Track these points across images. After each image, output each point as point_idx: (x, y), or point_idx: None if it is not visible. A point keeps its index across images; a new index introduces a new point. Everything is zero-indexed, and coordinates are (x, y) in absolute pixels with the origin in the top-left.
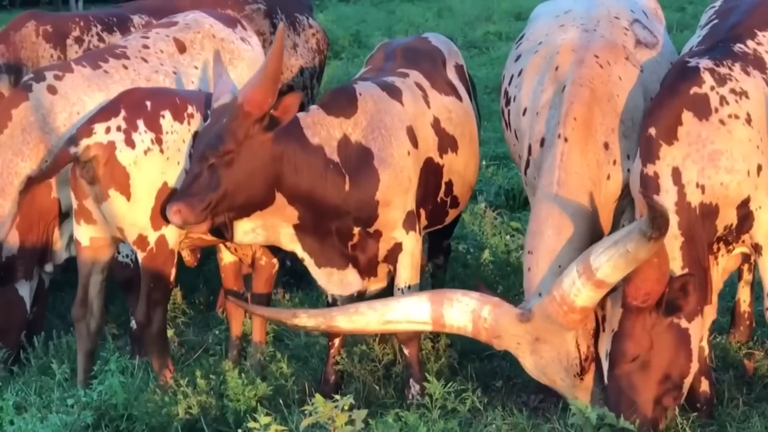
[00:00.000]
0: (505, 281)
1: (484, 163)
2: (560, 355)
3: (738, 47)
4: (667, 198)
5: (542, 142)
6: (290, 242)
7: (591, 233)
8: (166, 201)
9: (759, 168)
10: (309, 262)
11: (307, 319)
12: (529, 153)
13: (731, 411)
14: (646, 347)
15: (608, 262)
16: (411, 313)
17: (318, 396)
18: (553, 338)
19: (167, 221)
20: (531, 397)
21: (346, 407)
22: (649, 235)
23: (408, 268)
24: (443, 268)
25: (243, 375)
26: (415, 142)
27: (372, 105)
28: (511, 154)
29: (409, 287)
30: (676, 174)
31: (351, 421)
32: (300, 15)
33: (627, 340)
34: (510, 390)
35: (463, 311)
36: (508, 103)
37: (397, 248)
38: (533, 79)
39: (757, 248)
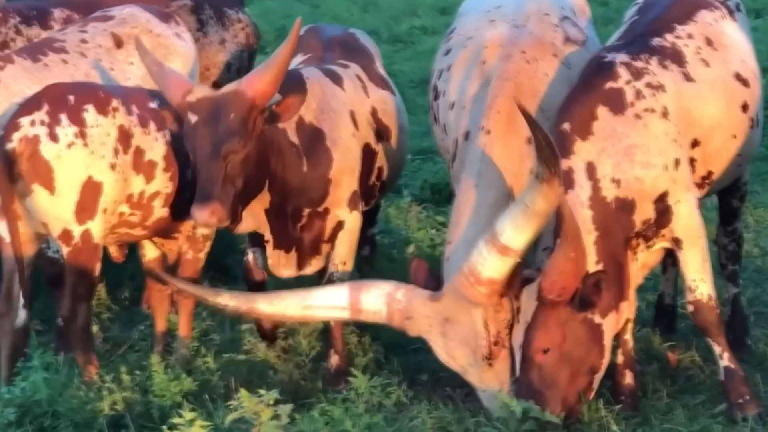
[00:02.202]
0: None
1: (409, 156)
2: (468, 336)
3: (656, 41)
4: (582, 192)
5: (466, 136)
6: (261, 226)
7: None
8: (192, 204)
9: (677, 162)
10: (270, 244)
11: (229, 299)
12: (456, 146)
13: (655, 403)
14: (558, 340)
15: (510, 223)
16: (330, 298)
17: (243, 391)
18: (461, 317)
19: (88, 218)
20: (457, 391)
21: (271, 402)
22: (540, 176)
23: (345, 245)
24: (370, 262)
25: (168, 370)
26: (356, 126)
27: (319, 89)
28: (438, 148)
29: (344, 263)
30: (591, 168)
31: (276, 416)
32: (228, 9)
33: (539, 332)
34: (436, 384)
35: (379, 295)
36: (437, 97)
37: (340, 226)
38: (461, 73)
39: (677, 242)
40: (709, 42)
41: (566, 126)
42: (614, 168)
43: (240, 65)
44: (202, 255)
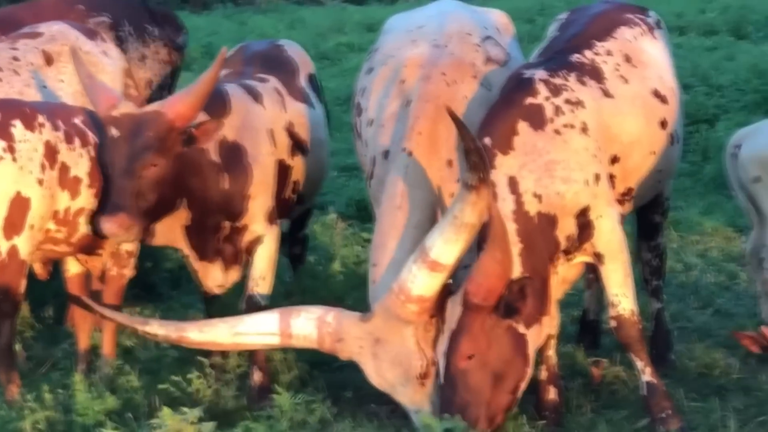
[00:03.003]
0: (355, 292)
1: (335, 173)
2: (400, 355)
3: (574, 57)
4: (505, 206)
5: (386, 155)
6: (179, 241)
7: None
8: (98, 214)
9: (597, 177)
10: (192, 258)
11: (158, 327)
12: (373, 165)
13: (578, 418)
14: (483, 347)
15: (439, 236)
16: (260, 325)
17: (165, 409)
18: (392, 336)
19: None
20: (381, 408)
21: (194, 420)
22: (468, 183)
23: (264, 260)
24: (301, 259)
25: (92, 389)
26: (274, 143)
27: (242, 106)
28: (361, 165)
29: (263, 278)
30: (513, 183)
31: None
32: (149, 26)
33: (464, 338)
34: (360, 400)
35: (309, 319)
36: (359, 114)
37: (257, 240)
38: (380, 91)
39: (599, 257)
40: (627, 59)
41: (487, 140)
42: (536, 183)
43: (162, 82)
44: (127, 272)
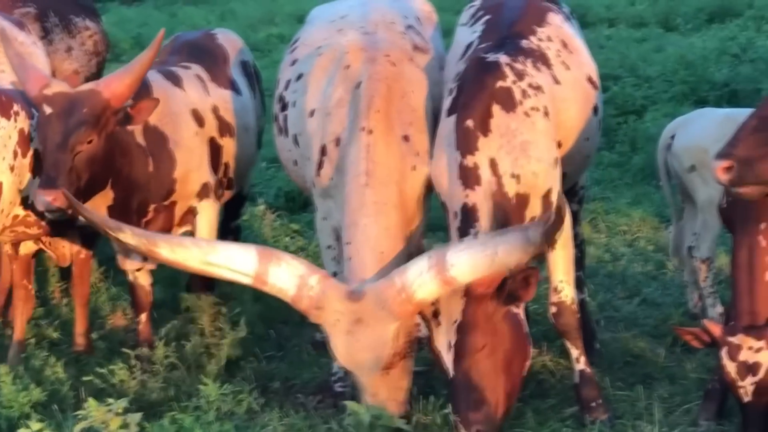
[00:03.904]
0: None
1: (264, 164)
2: (377, 343)
3: (524, 43)
4: (489, 188)
5: (338, 141)
6: None
7: (404, 222)
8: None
9: (556, 161)
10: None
11: (131, 236)
12: (324, 154)
13: None
14: (491, 336)
15: (468, 260)
16: (235, 260)
17: (91, 400)
18: (376, 324)
19: None
20: (309, 398)
21: (120, 411)
22: (533, 240)
23: (204, 229)
24: None
25: (17, 381)
26: (201, 122)
27: (162, 91)
28: (282, 160)
29: None
30: (494, 165)
31: (125, 425)
32: (76, 17)
33: (474, 330)
34: (288, 391)
35: (291, 274)
36: (284, 108)
37: (192, 212)
38: (321, 80)
39: (552, 242)
40: (564, 45)
41: (470, 123)
42: (513, 164)
43: (88, 73)
44: (91, 252)
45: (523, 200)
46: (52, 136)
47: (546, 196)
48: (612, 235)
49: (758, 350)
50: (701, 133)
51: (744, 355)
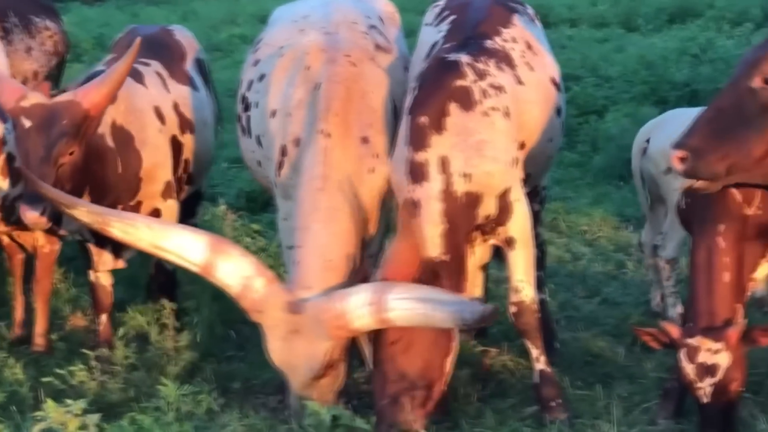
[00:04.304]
0: None
1: (225, 165)
2: (310, 355)
3: (488, 44)
4: (435, 185)
5: (297, 142)
6: (81, 227)
7: (357, 227)
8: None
9: (515, 160)
10: (91, 242)
11: (86, 212)
12: (283, 154)
13: (465, 407)
14: (406, 330)
15: (405, 312)
16: (185, 248)
17: (49, 401)
18: (311, 338)
19: None
20: (269, 398)
21: (78, 412)
22: (466, 322)
23: None
24: None
25: None
26: (162, 120)
27: (125, 89)
28: (246, 160)
29: None
30: (444, 163)
31: (84, 426)
32: (35, 17)
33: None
34: (248, 392)
35: (238, 272)
36: (247, 108)
37: (156, 213)
38: (282, 81)
39: (510, 242)
40: (529, 46)
41: (423, 120)
42: (465, 163)
43: (48, 73)
44: (57, 247)
45: (473, 199)
46: (33, 150)
47: (502, 196)
48: (572, 234)
49: (716, 352)
50: (676, 135)
51: (702, 357)
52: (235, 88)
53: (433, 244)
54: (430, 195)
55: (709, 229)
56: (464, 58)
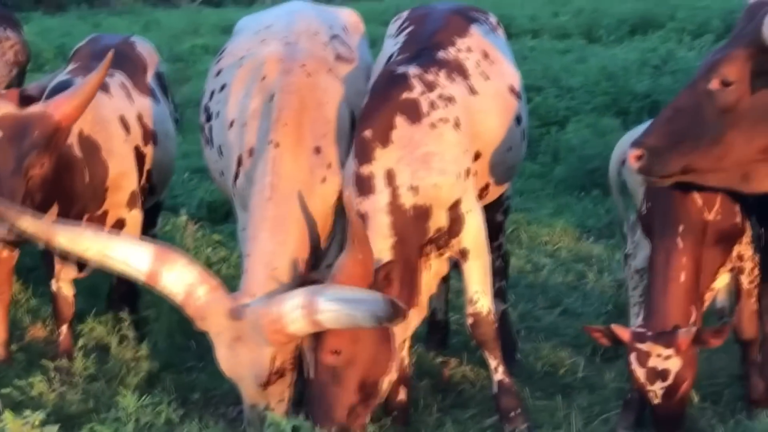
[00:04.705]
0: None
1: (186, 175)
2: (254, 363)
3: (441, 54)
4: (381, 198)
5: (252, 152)
6: None
7: (306, 236)
8: None
9: (467, 172)
10: (55, 253)
11: (31, 223)
12: (239, 165)
13: (425, 418)
14: (349, 342)
15: (333, 314)
16: (131, 258)
17: (7, 413)
18: (253, 345)
19: None
20: (229, 409)
21: (36, 423)
22: (381, 322)
23: None
24: None
25: None
26: (128, 130)
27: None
28: (210, 171)
29: None
30: (390, 176)
31: None
32: None
33: (330, 334)
34: (208, 402)
35: (182, 279)
36: (209, 119)
37: (121, 223)
38: (240, 91)
39: (464, 253)
40: (486, 55)
41: (368, 133)
42: (412, 175)
43: (8, 83)
44: (16, 254)
45: (422, 212)
46: (3, 161)
47: (453, 208)
48: (533, 245)
49: (667, 357)
50: None
51: (653, 362)
52: (197, 98)
53: (383, 257)
54: (376, 208)
55: (668, 231)
56: (413, 70)
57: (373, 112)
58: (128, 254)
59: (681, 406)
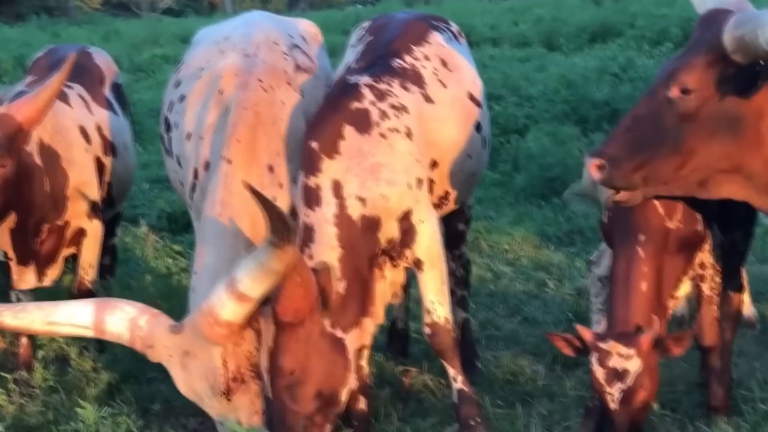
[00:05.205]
0: (166, 303)
1: (147, 185)
2: (207, 371)
3: (396, 63)
4: (328, 210)
5: (207, 166)
6: (5, 244)
7: None
8: None
9: (419, 181)
10: (12, 261)
11: None
12: (195, 177)
13: (386, 427)
14: (302, 360)
15: (248, 275)
16: (74, 316)
17: None
18: (200, 352)
19: None
20: (190, 420)
21: None
22: (274, 243)
23: (90, 251)
24: (110, 270)
25: None
26: (88, 139)
27: (52, 108)
28: (171, 181)
29: (91, 266)
30: (337, 187)
31: None
32: None
33: (283, 355)
34: (168, 413)
35: (122, 319)
36: (168, 129)
37: (81, 233)
38: (197, 104)
39: (418, 264)
40: (444, 63)
41: (314, 144)
42: (360, 186)
43: None
44: None
45: (371, 223)
46: None
47: (404, 219)
48: (494, 254)
49: (628, 357)
50: None
51: (613, 362)
52: (157, 108)
53: (331, 267)
54: (323, 219)
55: (629, 239)
56: (364, 79)
57: (322, 122)
58: (71, 314)
59: (638, 415)
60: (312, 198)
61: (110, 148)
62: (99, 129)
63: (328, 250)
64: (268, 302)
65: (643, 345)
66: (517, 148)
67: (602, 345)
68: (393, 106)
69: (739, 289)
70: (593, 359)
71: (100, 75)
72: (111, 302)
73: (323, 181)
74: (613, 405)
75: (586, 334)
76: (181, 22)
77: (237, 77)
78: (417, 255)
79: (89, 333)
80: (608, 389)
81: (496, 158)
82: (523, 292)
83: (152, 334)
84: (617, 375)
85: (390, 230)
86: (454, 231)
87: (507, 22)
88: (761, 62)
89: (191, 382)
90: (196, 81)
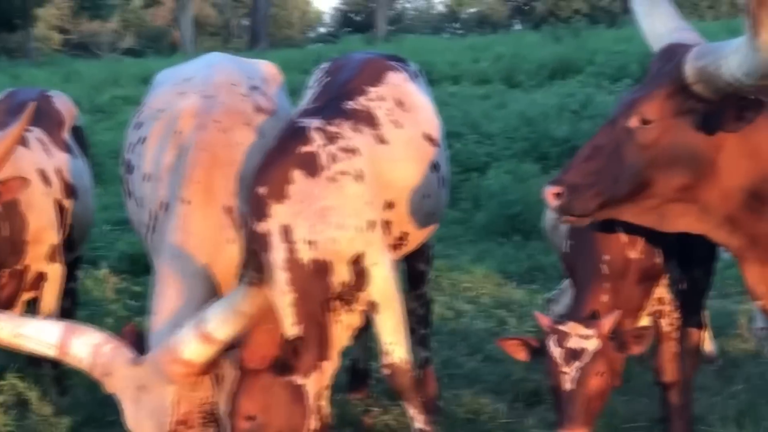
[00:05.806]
0: None
1: (108, 227)
2: (156, 409)
3: (349, 105)
4: (278, 255)
5: (165, 207)
6: None
7: (211, 296)
8: None
9: (371, 224)
10: None
11: None
12: (154, 219)
13: None
14: (263, 406)
15: (216, 315)
16: (42, 333)
17: None
18: (155, 388)
19: None
20: None
21: None
22: (250, 281)
23: (50, 295)
24: (70, 314)
25: None
26: (47, 183)
27: None
28: (132, 222)
29: (51, 310)
30: (287, 231)
31: None
32: None
33: (243, 399)
34: None
35: (87, 343)
36: (129, 171)
37: (41, 278)
38: (156, 145)
39: (373, 306)
40: (399, 103)
41: (262, 190)
42: (309, 230)
43: None
44: None
45: (321, 266)
46: None
47: (356, 262)
48: (455, 292)
49: (587, 337)
50: None
51: (572, 342)
52: (117, 149)
53: (284, 314)
54: (273, 264)
55: (592, 263)
56: (314, 123)
57: (269, 167)
58: (39, 332)
59: (591, 403)
60: (261, 243)
61: (70, 190)
62: (58, 172)
63: (279, 294)
64: (233, 348)
65: (603, 327)
66: (478, 186)
67: (561, 327)
68: (343, 149)
69: (699, 325)
70: (550, 342)
71: (60, 119)
72: (80, 327)
73: (272, 225)
74: (568, 385)
75: (543, 319)
76: (141, 63)
77: (195, 118)
78: (371, 298)
79: (52, 352)
80: (565, 368)
81: (456, 196)
82: (484, 330)
83: (112, 363)
84: (574, 354)
85: (342, 274)
86: (415, 271)
87: (467, 59)
88: (725, 96)
89: (140, 418)
90: (155, 122)
